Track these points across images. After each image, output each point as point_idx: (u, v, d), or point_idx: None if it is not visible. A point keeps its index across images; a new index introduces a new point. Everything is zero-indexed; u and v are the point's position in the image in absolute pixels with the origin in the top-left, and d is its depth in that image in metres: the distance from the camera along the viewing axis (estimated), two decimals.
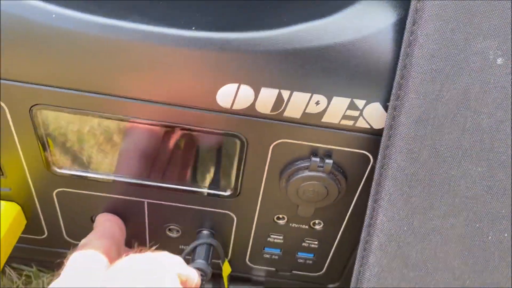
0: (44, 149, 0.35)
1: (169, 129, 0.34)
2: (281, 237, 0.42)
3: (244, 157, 0.35)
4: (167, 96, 0.31)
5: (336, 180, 0.34)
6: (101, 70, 0.30)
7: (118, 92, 0.31)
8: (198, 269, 0.39)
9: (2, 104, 0.32)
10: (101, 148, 0.36)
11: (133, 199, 0.39)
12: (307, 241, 0.42)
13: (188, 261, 0.41)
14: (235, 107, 0.31)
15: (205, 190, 0.38)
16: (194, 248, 0.41)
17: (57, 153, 0.36)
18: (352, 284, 0.33)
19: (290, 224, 0.40)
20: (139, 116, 0.32)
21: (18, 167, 0.37)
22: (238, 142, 0.34)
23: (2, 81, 0.31)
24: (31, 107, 0.32)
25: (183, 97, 0.31)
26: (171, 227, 0.42)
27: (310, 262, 0.44)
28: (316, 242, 0.42)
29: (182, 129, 0.33)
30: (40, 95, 0.31)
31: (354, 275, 0.33)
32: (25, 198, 0.40)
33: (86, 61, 0.30)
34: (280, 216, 0.40)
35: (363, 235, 0.32)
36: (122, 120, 0.33)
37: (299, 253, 0.43)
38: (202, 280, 0.39)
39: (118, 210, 0.41)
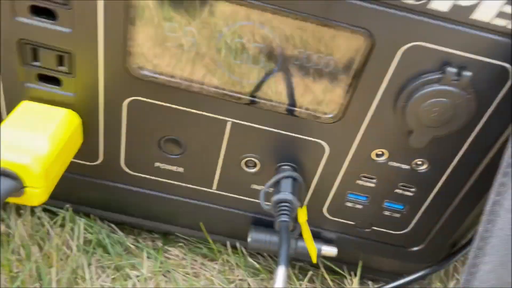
0: (129, 39, 0.30)
1: (278, 20, 0.29)
2: (373, 180, 0.37)
3: (363, 64, 0.30)
4: None
5: (469, 99, 0.30)
6: None
7: None
8: (285, 200, 0.34)
9: None
10: (198, 46, 0.31)
11: (216, 117, 0.34)
12: (401, 187, 0.37)
13: (270, 196, 0.36)
14: None
15: (304, 111, 0.33)
16: (277, 182, 0.36)
17: (143, 48, 0.31)
18: (476, 244, 0.28)
19: (389, 163, 0.35)
20: None
21: (92, 63, 0.32)
22: (362, 41, 0.29)
23: None
24: None
25: None
26: (249, 158, 0.37)
27: (398, 215, 0.39)
28: (413, 189, 0.37)
29: (291, 18, 0.29)
30: None
31: (478, 236, 0.28)
32: (89, 108, 0.35)
33: None
34: (380, 151, 0.35)
35: (497, 181, 0.27)
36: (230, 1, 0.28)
37: (386, 203, 0.38)
38: (289, 213, 0.34)
39: (193, 132, 0.36)
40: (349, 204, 0.39)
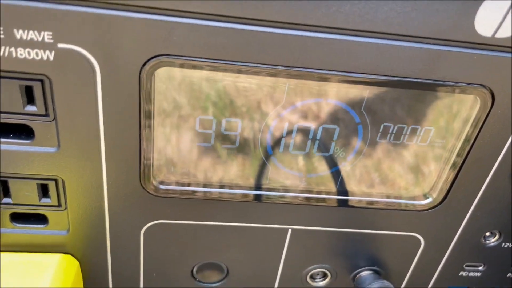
0: (145, 148, 0.21)
1: (357, 90, 0.21)
2: (480, 268, 0.28)
3: (479, 128, 0.22)
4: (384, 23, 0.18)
5: None
6: None
7: (295, 20, 0.18)
8: None
9: (93, 61, 0.18)
10: (241, 139, 0.22)
11: (273, 228, 0.25)
12: None
13: None
14: (499, 34, 0.19)
15: (391, 200, 0.24)
16: None
17: (164, 157, 0.22)
18: None
19: (503, 245, 0.27)
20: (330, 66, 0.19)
21: (90, 188, 0.22)
22: (477, 101, 0.21)
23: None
24: (145, 62, 0.19)
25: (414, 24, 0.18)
26: (314, 271, 0.28)
27: None
28: None
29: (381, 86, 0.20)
30: (162, 39, 0.18)
31: None
32: (89, 246, 0.25)
33: None
34: (491, 232, 0.26)
35: None
36: (289, 75, 0.20)
37: None
38: None
39: (238, 250, 0.26)
40: None
